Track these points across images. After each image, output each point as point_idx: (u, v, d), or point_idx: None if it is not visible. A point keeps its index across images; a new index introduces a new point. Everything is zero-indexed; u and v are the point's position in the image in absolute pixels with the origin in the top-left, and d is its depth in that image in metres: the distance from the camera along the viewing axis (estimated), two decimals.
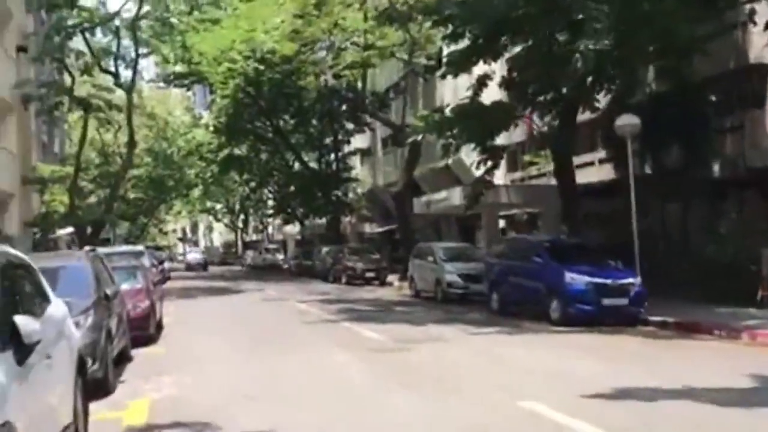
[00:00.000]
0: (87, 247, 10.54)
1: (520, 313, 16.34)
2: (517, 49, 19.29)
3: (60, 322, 6.08)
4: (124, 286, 13.80)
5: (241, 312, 19.68)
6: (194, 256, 62.55)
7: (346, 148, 48.91)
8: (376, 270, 31.50)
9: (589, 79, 17.87)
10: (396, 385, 8.60)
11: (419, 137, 24.81)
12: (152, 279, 16.19)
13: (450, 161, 37.02)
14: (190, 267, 56.77)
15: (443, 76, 20.67)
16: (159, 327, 15.35)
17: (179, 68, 40.69)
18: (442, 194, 28.18)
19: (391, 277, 31.24)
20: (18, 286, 5.20)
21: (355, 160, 52.03)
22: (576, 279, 14.50)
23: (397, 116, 35.26)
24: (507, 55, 19.92)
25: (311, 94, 42.85)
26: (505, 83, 20.05)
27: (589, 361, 10.20)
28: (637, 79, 19.11)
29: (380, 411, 7.32)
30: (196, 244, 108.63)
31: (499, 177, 32.61)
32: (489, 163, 21.26)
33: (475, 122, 19.17)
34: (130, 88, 31.23)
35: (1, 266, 4.84)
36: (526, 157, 29.98)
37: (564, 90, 18.96)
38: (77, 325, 8.29)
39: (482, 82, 20.32)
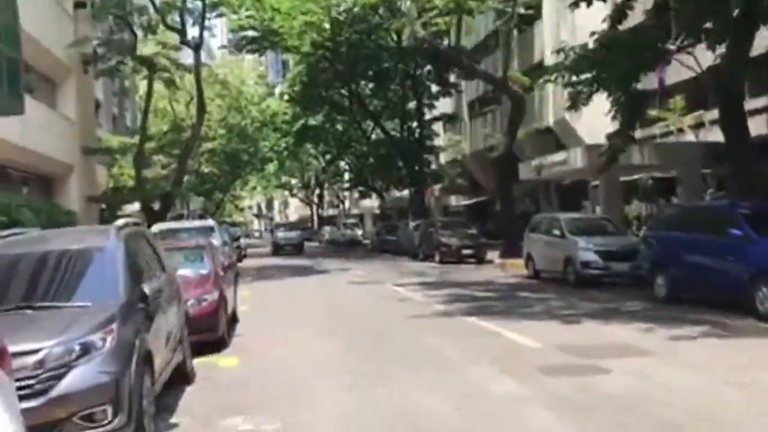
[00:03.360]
0: (120, 221, 7.02)
1: (697, 302, 12.29)
2: None
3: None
4: (185, 272, 10.45)
5: (330, 299, 16.19)
6: (286, 234, 43.96)
7: (430, 115, 45.20)
8: (474, 247, 27.63)
9: None
10: None
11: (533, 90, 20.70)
12: (224, 261, 12.80)
13: (552, 122, 33.02)
14: (279, 247, 41.58)
15: (575, 5, 16.39)
16: (233, 320, 12.00)
17: (251, 32, 37.69)
18: (559, 156, 23.99)
19: (490, 254, 27.39)
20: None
21: (438, 128, 48.18)
22: None
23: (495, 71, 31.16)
24: None
25: (391, 55, 39.29)
26: (656, 7, 15.71)
27: None
28: None
29: None
30: (271, 220, 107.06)
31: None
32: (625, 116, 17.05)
33: (623, 57, 14.93)
34: (197, 46, 27.99)
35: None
36: (653, 113, 25.23)
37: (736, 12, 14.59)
38: (87, 351, 4.91)
39: (623, 9, 16.15)
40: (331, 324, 11.93)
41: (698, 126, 23.97)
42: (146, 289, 6.11)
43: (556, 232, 17.98)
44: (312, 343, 10.07)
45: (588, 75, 16.72)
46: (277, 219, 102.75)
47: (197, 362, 8.76)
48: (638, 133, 26.51)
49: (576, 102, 17.92)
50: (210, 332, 9.80)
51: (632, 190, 28.62)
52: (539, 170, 25.30)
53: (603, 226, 18.87)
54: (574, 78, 16.57)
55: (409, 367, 8.00)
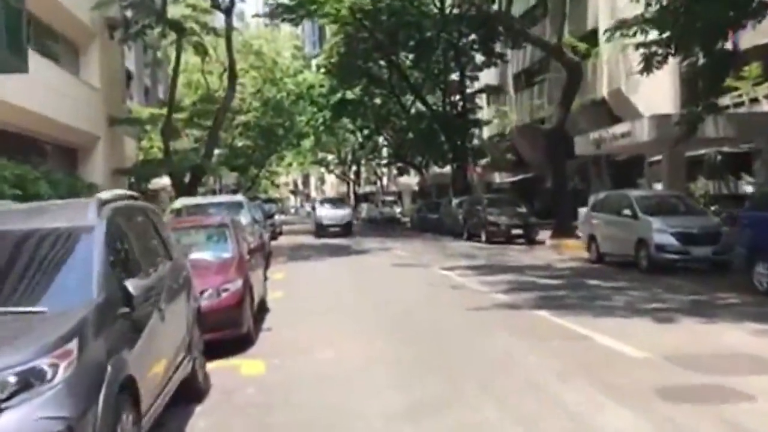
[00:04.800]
0: (106, 193, 5.28)
1: None
2: None
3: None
4: (204, 256, 8.82)
5: (372, 285, 14.41)
6: (332, 212, 35.50)
7: (472, 88, 43.04)
8: (524, 226, 25.66)
9: None
10: None
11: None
12: (253, 241, 11.10)
13: (606, 94, 30.68)
14: (322, 228, 33.48)
15: None
16: (261, 310, 10.34)
17: (286, 0, 35.85)
18: (622, 127, 21.78)
19: (541, 234, 25.42)
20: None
21: (482, 102, 45.98)
22: None
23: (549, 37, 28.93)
24: None
25: (434, 24, 37.18)
26: None
27: None
28: None
29: None
30: (308, 196, 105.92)
31: (670, 108, 25.90)
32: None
33: (711, 8, 12.78)
34: (228, 9, 26.19)
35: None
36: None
37: None
38: (29, 384, 3.19)
39: None
40: (376, 317, 10.17)
41: None
42: (131, 287, 4.38)
43: (626, 211, 15.90)
44: (354, 343, 8.33)
45: (666, 33, 14.64)
46: (314, 195, 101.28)
47: (216, 366, 7.11)
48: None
49: (650, 64, 15.85)
50: (232, 328, 8.12)
51: (696, 166, 26.29)
52: (599, 144, 23.13)
53: (678, 204, 16.77)
54: (651, 36, 14.46)
55: (482, 386, 6.19)
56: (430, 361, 7.21)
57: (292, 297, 12.61)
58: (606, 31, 15.42)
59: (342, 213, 35.38)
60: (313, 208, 39.77)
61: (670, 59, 16.28)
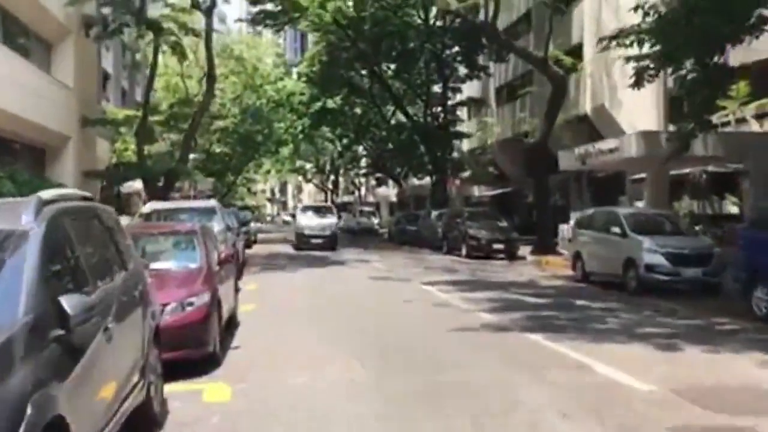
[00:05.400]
0: (46, 192, 4.51)
1: None
2: None
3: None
4: (168, 266, 8.08)
5: (350, 299, 13.66)
6: (315, 221, 30.43)
7: (454, 100, 42.61)
8: (505, 241, 25.09)
9: None
10: None
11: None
12: (224, 250, 10.34)
13: (589, 110, 30.29)
14: (303, 240, 29.14)
15: None
16: (230, 326, 9.59)
17: (269, 5, 35.21)
18: (610, 143, 21.30)
19: (521, 250, 24.91)
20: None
21: (463, 114, 45.57)
22: None
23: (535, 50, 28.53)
24: None
25: (418, 34, 36.69)
26: None
27: None
28: None
29: None
30: (285, 205, 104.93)
31: (653, 125, 25.55)
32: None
33: (713, 20, 12.29)
34: (209, 9, 25.43)
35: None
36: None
37: None
38: None
39: None
40: (355, 337, 9.45)
41: (762, 116, 21.32)
42: (68, 305, 3.64)
43: (615, 229, 15.36)
44: (331, 366, 7.60)
45: (658, 47, 14.15)
46: (291, 204, 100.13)
47: (175, 390, 6.36)
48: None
49: (641, 78, 15.38)
50: (197, 347, 7.37)
51: (678, 186, 25.92)
52: (584, 159, 22.64)
53: (667, 224, 16.28)
54: (644, 49, 13.97)
55: (477, 424, 5.47)
56: (417, 390, 6.51)
57: (264, 311, 11.86)
58: (601, 40, 14.91)
59: (326, 222, 30.53)
60: (293, 216, 33.85)
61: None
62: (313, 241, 29.05)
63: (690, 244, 14.54)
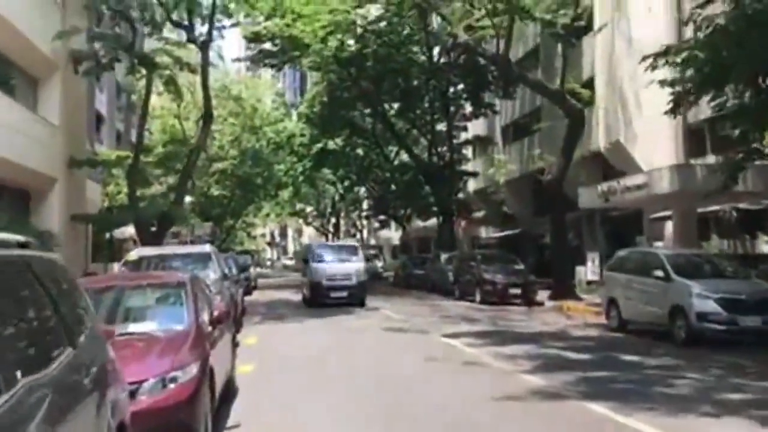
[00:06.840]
0: None
1: None
2: None
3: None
4: (149, 328, 6.45)
5: (366, 358, 11.86)
6: (334, 267, 22.88)
7: (460, 138, 41.35)
8: (522, 285, 23.42)
9: None
10: None
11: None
12: (219, 305, 8.69)
13: (603, 147, 28.89)
14: (320, 293, 22.30)
15: None
16: (226, 397, 7.90)
17: (268, 45, 34.19)
18: (637, 179, 19.81)
19: (540, 295, 23.29)
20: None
21: (468, 153, 44.29)
22: None
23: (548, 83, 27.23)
24: None
25: (422, 71, 35.55)
26: None
27: None
28: None
29: None
30: (285, 250, 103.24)
31: (670, 161, 24.01)
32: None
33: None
34: (205, 44, 24.16)
35: None
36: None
37: None
38: None
39: None
40: (374, 408, 7.76)
41: None
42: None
43: (657, 272, 13.73)
44: None
45: (702, 69, 12.72)
46: (291, 248, 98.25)
47: None
48: (711, 157, 22.47)
49: (678, 105, 13.95)
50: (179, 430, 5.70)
51: (705, 224, 24.36)
52: (607, 196, 21.12)
53: (708, 265, 14.66)
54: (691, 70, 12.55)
55: None
56: None
57: (266, 373, 10.17)
58: (644, 58, 13.47)
59: (352, 268, 22.97)
60: (306, 261, 24.45)
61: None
62: (334, 294, 22.18)
63: (745, 289, 12.89)
